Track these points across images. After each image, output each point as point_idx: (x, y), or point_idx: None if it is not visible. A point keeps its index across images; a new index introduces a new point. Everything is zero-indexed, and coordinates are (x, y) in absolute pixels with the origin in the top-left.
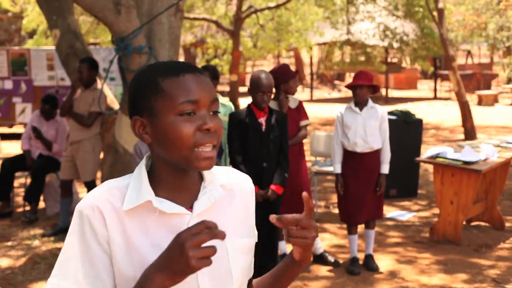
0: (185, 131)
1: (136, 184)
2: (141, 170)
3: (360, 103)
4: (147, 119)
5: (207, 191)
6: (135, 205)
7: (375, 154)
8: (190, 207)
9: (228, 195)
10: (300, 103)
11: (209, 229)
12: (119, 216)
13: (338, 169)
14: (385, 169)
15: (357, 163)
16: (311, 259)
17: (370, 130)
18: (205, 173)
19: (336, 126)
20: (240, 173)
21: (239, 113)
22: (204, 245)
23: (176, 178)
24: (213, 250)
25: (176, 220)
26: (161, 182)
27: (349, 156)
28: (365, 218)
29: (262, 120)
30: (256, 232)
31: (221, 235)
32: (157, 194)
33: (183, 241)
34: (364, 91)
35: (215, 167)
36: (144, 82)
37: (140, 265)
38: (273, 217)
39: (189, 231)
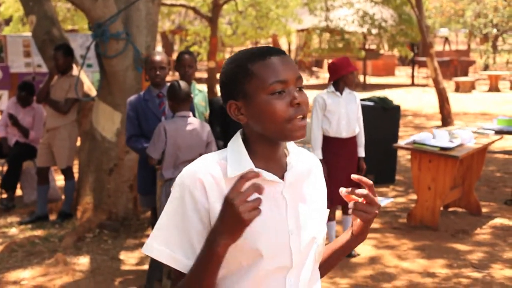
0: (278, 108)
1: (235, 156)
2: (238, 144)
3: (342, 89)
4: (241, 102)
5: (293, 164)
6: (238, 173)
7: (355, 139)
8: (281, 177)
9: (307, 167)
10: None
11: (250, 183)
12: (220, 185)
13: (319, 155)
14: (362, 152)
15: (339, 149)
16: (366, 236)
17: (352, 114)
18: (289, 148)
19: (316, 111)
20: (308, 151)
21: (219, 99)
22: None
23: (269, 151)
24: (259, 200)
25: (271, 188)
26: (256, 155)
27: (331, 142)
28: (344, 203)
29: None
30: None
31: (261, 188)
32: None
33: (231, 200)
34: (353, 76)
35: (291, 145)
36: (235, 69)
37: None
38: (344, 190)
39: (233, 190)
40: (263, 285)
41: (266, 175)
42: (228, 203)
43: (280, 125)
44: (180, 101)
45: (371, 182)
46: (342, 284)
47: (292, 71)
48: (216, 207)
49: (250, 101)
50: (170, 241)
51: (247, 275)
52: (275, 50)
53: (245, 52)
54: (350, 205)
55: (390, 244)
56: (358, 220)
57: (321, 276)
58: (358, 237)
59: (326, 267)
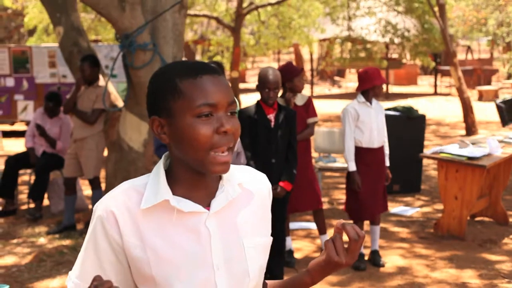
0: (202, 133)
1: (154, 183)
2: (159, 169)
3: (371, 99)
4: (165, 119)
5: (225, 189)
6: (152, 204)
7: (383, 149)
8: (207, 206)
9: (246, 194)
10: (309, 99)
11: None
12: (134, 218)
13: (353, 166)
14: (388, 161)
15: (371, 159)
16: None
17: (381, 124)
18: (227, 175)
19: (348, 122)
20: (257, 172)
21: (248, 109)
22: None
23: (193, 177)
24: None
25: (193, 218)
26: (178, 181)
27: (362, 153)
28: (376, 213)
29: (271, 116)
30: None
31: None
32: (174, 193)
33: None
34: (382, 88)
35: (232, 165)
36: (163, 83)
37: (157, 263)
38: (340, 223)
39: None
40: None
41: (185, 206)
42: None
43: (200, 154)
44: None
45: (363, 234)
46: None
47: (224, 94)
48: (131, 242)
49: (174, 121)
50: (83, 273)
51: None
52: (210, 69)
53: (177, 65)
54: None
55: (418, 254)
56: (324, 258)
57: None
58: (314, 278)
59: None
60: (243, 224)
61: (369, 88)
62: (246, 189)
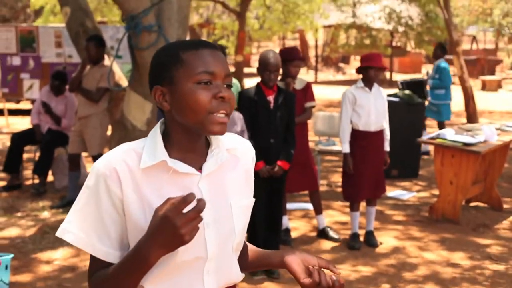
0: (202, 97)
1: (151, 145)
2: (156, 133)
3: (370, 84)
4: (167, 88)
5: (214, 154)
6: (151, 164)
7: (382, 133)
8: (199, 169)
9: (232, 158)
10: (308, 84)
11: (192, 203)
12: (134, 175)
13: (347, 148)
14: (387, 146)
15: (367, 142)
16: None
17: (380, 108)
18: (212, 138)
19: (345, 105)
20: (242, 139)
21: (249, 91)
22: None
23: (188, 141)
24: (200, 219)
25: (187, 179)
26: (174, 145)
27: (359, 136)
28: (370, 195)
29: (271, 98)
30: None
31: (203, 205)
32: (170, 156)
33: (172, 219)
34: (379, 72)
35: None
36: (166, 55)
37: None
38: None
39: (174, 210)
40: (181, 275)
41: (180, 167)
42: (168, 222)
43: (201, 116)
44: None
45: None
46: (364, 271)
47: (222, 66)
48: (130, 197)
49: (175, 88)
50: (85, 227)
51: (164, 265)
52: (210, 44)
53: (179, 41)
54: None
55: (412, 236)
56: (295, 266)
57: (242, 270)
58: (281, 267)
59: (245, 267)
60: (230, 186)
61: (363, 68)
62: (233, 155)
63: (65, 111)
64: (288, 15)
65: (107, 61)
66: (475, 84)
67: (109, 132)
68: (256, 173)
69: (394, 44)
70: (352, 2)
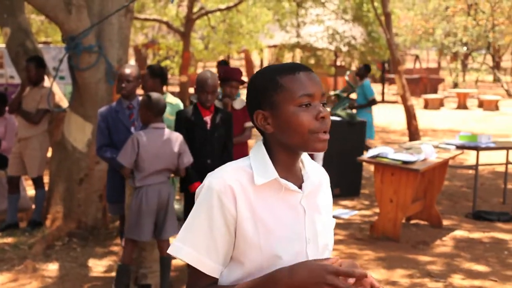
0: (305, 119)
1: (260, 164)
2: (261, 153)
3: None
4: (268, 112)
5: (309, 175)
6: (264, 181)
7: None
8: (299, 187)
9: (319, 180)
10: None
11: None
12: (247, 193)
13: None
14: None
15: None
16: None
17: None
18: (304, 160)
19: None
20: (318, 165)
21: (186, 111)
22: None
23: (290, 161)
24: None
25: (292, 197)
26: (278, 164)
27: None
28: None
29: (207, 118)
30: None
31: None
32: None
33: (325, 278)
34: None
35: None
36: (264, 81)
37: (265, 234)
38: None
39: (335, 271)
40: None
41: (290, 185)
42: (319, 277)
43: (305, 136)
44: (157, 113)
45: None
46: None
47: (318, 86)
48: (244, 214)
49: (278, 112)
50: (197, 243)
51: None
52: (304, 67)
53: (275, 66)
54: None
55: (353, 254)
56: None
57: None
58: None
59: None
60: (321, 205)
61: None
62: (318, 175)
63: (4, 133)
64: (232, 35)
65: (47, 82)
66: (418, 102)
67: (49, 154)
68: (193, 194)
69: (338, 63)
70: (296, 23)
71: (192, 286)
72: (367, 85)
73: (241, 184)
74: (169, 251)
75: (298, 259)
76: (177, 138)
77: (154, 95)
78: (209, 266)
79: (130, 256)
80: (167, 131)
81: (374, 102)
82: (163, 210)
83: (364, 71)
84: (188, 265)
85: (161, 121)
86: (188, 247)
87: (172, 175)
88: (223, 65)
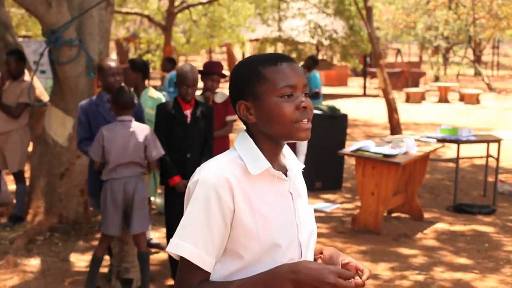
0: (286, 110)
1: (250, 155)
2: (249, 144)
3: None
4: (251, 102)
5: (290, 163)
6: (260, 171)
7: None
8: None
9: (297, 169)
10: (229, 98)
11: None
12: (242, 184)
13: None
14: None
15: None
16: None
17: None
18: (284, 149)
19: None
20: (293, 155)
21: (166, 105)
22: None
23: (274, 150)
24: None
25: (281, 186)
26: (264, 154)
27: None
28: None
29: (188, 112)
30: None
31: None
32: None
33: (328, 280)
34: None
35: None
36: (247, 71)
37: (263, 224)
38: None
39: (338, 272)
40: None
41: (281, 174)
42: (322, 276)
43: (287, 126)
44: (121, 106)
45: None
46: None
47: (301, 77)
48: (241, 206)
49: (260, 102)
50: (196, 239)
51: (262, 268)
52: (286, 57)
53: (257, 56)
54: None
55: (335, 248)
56: None
57: None
58: None
59: None
60: (302, 192)
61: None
62: (296, 164)
63: None
64: (214, 29)
65: (27, 76)
66: (399, 96)
67: (30, 148)
68: (173, 188)
69: (320, 57)
70: (278, 16)
71: (184, 282)
72: (314, 77)
73: (236, 176)
74: (168, 249)
75: (293, 246)
76: (143, 130)
77: (122, 87)
78: (207, 261)
79: (102, 249)
80: (134, 124)
81: (316, 95)
82: (130, 204)
83: (311, 63)
84: (178, 261)
85: (129, 115)
86: (188, 243)
87: (146, 173)
88: (170, 61)
